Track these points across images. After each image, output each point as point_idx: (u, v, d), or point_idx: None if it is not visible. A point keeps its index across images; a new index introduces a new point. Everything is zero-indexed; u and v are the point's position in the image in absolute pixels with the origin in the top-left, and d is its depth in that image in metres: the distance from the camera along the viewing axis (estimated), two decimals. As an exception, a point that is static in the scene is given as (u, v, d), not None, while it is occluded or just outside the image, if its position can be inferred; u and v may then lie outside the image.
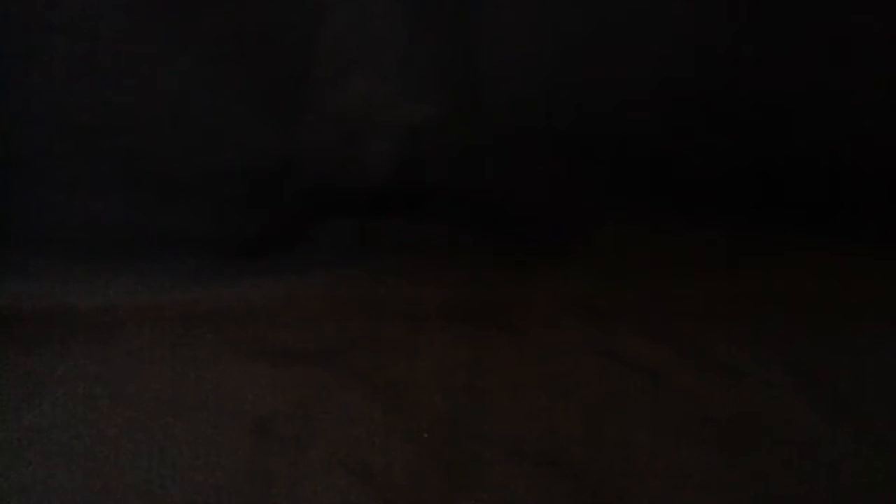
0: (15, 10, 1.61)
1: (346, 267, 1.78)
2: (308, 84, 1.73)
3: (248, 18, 1.67)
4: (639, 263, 1.79)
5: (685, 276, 1.76)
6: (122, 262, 1.73)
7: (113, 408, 1.40)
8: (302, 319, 1.65)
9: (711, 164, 1.80)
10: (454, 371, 1.51)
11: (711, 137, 1.78)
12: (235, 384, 1.47)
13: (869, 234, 1.79)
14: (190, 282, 1.72)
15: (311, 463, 1.29)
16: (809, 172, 1.79)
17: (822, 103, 1.76)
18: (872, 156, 1.80)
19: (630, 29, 1.72)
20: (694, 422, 1.39)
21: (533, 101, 1.77)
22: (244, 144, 1.75)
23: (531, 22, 1.72)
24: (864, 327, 1.63)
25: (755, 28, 1.72)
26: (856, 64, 1.74)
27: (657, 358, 1.55)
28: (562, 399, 1.44)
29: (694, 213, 1.80)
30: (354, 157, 1.79)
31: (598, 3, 1.70)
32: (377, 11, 1.69)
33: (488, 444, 1.34)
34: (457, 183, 1.82)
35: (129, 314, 1.64)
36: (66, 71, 1.65)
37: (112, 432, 1.35)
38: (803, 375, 1.51)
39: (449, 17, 1.71)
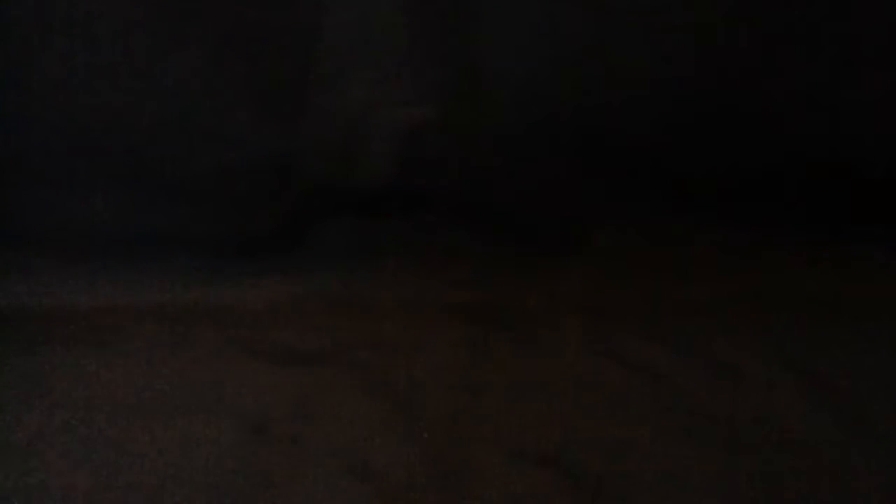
0: (15, 10, 1.61)
1: (346, 267, 1.78)
2: (308, 84, 1.73)
3: (249, 18, 1.67)
4: (639, 263, 1.79)
5: (685, 276, 1.76)
6: (122, 262, 1.73)
7: (113, 408, 1.40)
8: (302, 319, 1.65)
9: (711, 164, 1.80)
10: (454, 371, 1.51)
11: (711, 137, 1.78)
12: (235, 384, 1.47)
13: (869, 234, 1.79)
14: (190, 282, 1.72)
15: (311, 463, 1.29)
16: (809, 172, 1.79)
17: (823, 103, 1.76)
18: (873, 156, 1.80)
19: (630, 29, 1.72)
20: (694, 422, 1.39)
21: (533, 102, 1.77)
22: (244, 144, 1.75)
23: (531, 22, 1.72)
24: (864, 327, 1.63)
25: (755, 28, 1.72)
26: (856, 64, 1.74)
27: (657, 358, 1.55)
28: (562, 399, 1.44)
29: (694, 213, 1.80)
30: (354, 157, 1.79)
31: (598, 4, 1.70)
32: (377, 11, 1.69)
33: (488, 444, 1.33)
34: (457, 183, 1.82)
35: (129, 314, 1.64)
36: (66, 71, 1.65)
37: (112, 432, 1.35)
38: (803, 375, 1.50)
39: (449, 16, 1.71)
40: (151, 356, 1.53)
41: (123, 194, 1.74)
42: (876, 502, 1.24)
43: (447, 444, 1.33)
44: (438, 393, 1.45)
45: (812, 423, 1.39)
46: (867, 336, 1.61)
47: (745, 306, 1.69)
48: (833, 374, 1.51)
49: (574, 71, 1.75)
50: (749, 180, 1.80)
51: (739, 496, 1.25)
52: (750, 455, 1.32)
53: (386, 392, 1.45)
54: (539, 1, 1.70)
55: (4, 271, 1.70)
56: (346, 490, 1.24)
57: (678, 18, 1.70)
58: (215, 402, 1.42)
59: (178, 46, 1.66)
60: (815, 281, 1.74)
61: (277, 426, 1.37)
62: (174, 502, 1.22)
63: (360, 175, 1.80)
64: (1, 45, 1.63)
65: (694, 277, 1.75)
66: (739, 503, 1.24)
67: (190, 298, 1.69)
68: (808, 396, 1.45)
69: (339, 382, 1.48)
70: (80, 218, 1.74)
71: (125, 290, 1.69)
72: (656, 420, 1.40)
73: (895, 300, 1.70)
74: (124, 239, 1.75)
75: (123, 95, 1.68)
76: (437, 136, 1.78)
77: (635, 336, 1.61)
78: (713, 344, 1.59)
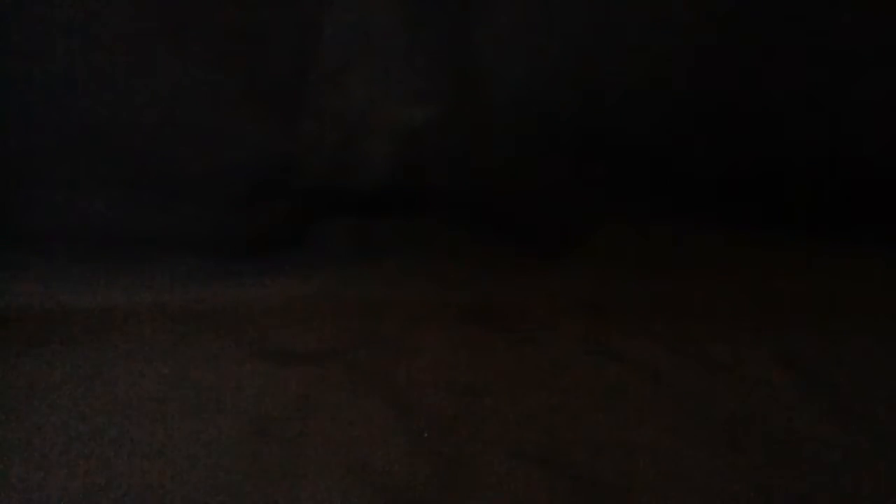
0: (15, 10, 1.61)
1: (346, 267, 1.78)
2: (308, 84, 1.73)
3: (248, 18, 1.67)
4: (639, 263, 1.79)
5: (685, 276, 1.76)
6: (122, 262, 1.73)
7: (112, 408, 1.40)
8: (302, 319, 1.65)
9: (711, 164, 1.80)
10: (454, 371, 1.51)
11: (711, 138, 1.78)
12: (235, 384, 1.47)
13: (869, 234, 1.79)
14: (190, 282, 1.72)
15: (311, 463, 1.29)
16: (809, 172, 1.79)
17: (822, 104, 1.76)
18: (872, 156, 1.80)
19: (630, 30, 1.72)
20: (693, 421, 1.39)
21: (533, 102, 1.77)
22: (244, 144, 1.75)
23: (531, 23, 1.72)
24: (864, 327, 1.63)
25: (755, 28, 1.72)
26: (855, 64, 1.74)
27: (657, 358, 1.55)
28: (562, 399, 1.44)
29: (693, 213, 1.80)
30: (354, 158, 1.79)
31: (598, 5, 1.70)
32: (377, 11, 1.69)
33: (488, 444, 1.33)
34: (457, 183, 1.82)
35: (129, 314, 1.64)
36: (66, 71, 1.65)
37: (112, 432, 1.35)
38: (803, 375, 1.51)
39: (449, 17, 1.71)
40: (151, 356, 1.53)
41: (123, 194, 1.74)
42: (876, 502, 1.24)
43: (447, 444, 1.33)
44: (438, 393, 1.45)
45: (812, 423, 1.39)
46: (867, 336, 1.61)
47: (745, 306, 1.69)
48: (833, 374, 1.51)
49: (574, 72, 1.75)
50: (749, 180, 1.80)
51: (739, 496, 1.24)
52: (750, 455, 1.32)
53: (386, 392, 1.45)
54: (539, 1, 1.70)
55: (4, 271, 1.70)
56: (346, 490, 1.24)
57: (678, 18, 1.70)
58: (215, 402, 1.42)
59: (179, 47, 1.66)
60: (815, 281, 1.74)
61: (277, 426, 1.37)
62: (174, 502, 1.22)
63: (360, 175, 1.80)
64: (1, 46, 1.63)
65: (694, 277, 1.75)
66: (739, 503, 1.24)
67: (190, 298, 1.69)
68: (808, 396, 1.45)
69: (339, 382, 1.48)
70: (79, 218, 1.74)
71: (125, 290, 1.69)
72: (656, 420, 1.40)
73: (895, 300, 1.70)
74: (124, 239, 1.75)
75: (123, 96, 1.68)
76: (437, 136, 1.78)
77: (635, 336, 1.61)
78: (713, 344, 1.59)
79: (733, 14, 1.70)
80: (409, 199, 1.82)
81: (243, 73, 1.70)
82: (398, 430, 1.36)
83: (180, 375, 1.48)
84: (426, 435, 1.35)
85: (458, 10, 1.71)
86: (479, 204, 1.83)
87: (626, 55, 1.74)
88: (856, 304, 1.69)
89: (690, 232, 1.80)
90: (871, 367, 1.53)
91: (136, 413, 1.39)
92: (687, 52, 1.72)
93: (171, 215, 1.76)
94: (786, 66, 1.74)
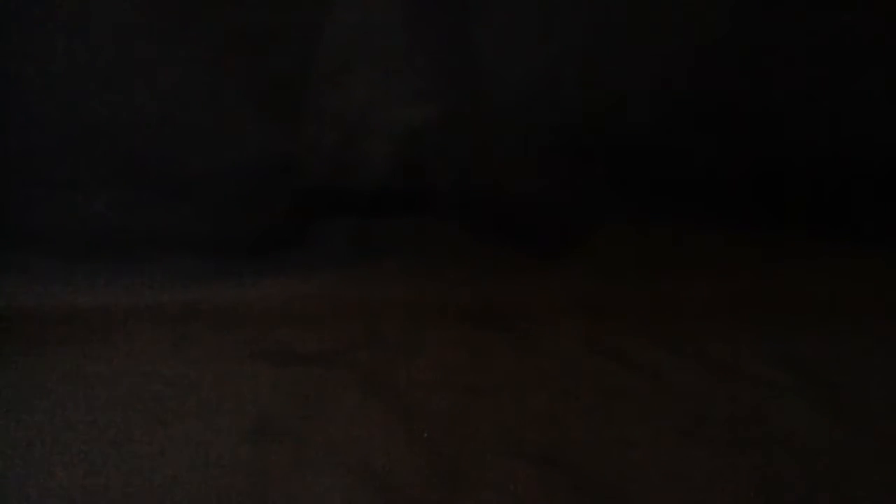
0: (15, 10, 1.61)
1: (346, 267, 1.78)
2: (308, 84, 1.73)
3: (248, 18, 1.67)
4: (639, 264, 1.79)
5: (685, 276, 1.76)
6: (122, 262, 1.73)
7: (113, 408, 1.40)
8: (302, 319, 1.65)
9: (711, 164, 1.80)
10: (454, 371, 1.51)
11: (711, 138, 1.78)
12: (235, 384, 1.47)
13: (869, 234, 1.79)
14: (190, 282, 1.72)
15: (311, 463, 1.29)
16: (809, 172, 1.79)
17: (822, 103, 1.76)
18: (873, 156, 1.80)
19: (629, 30, 1.72)
20: (693, 421, 1.39)
21: (533, 102, 1.77)
22: (244, 144, 1.75)
23: (531, 22, 1.72)
24: (864, 327, 1.63)
25: (755, 28, 1.72)
26: (855, 64, 1.74)
27: (657, 358, 1.56)
28: (562, 399, 1.44)
29: (693, 213, 1.80)
30: (354, 158, 1.79)
31: (598, 5, 1.70)
32: (377, 12, 1.69)
33: (488, 444, 1.34)
34: (456, 183, 1.82)
35: (129, 314, 1.65)
36: (66, 71, 1.66)
37: (112, 432, 1.35)
38: (803, 375, 1.51)
39: (449, 17, 1.71)
40: (151, 356, 1.53)
41: (123, 194, 1.74)
42: (876, 502, 1.24)
43: (447, 444, 1.33)
44: (438, 393, 1.45)
45: (812, 423, 1.39)
46: (867, 336, 1.61)
47: (745, 306, 1.69)
48: (833, 374, 1.51)
49: (573, 71, 1.75)
50: (749, 180, 1.80)
51: (739, 496, 1.25)
52: (750, 455, 1.32)
53: (386, 392, 1.45)
54: (539, 1, 1.70)
55: (4, 271, 1.70)
56: (346, 490, 1.24)
57: (678, 18, 1.70)
58: (215, 402, 1.42)
59: (179, 46, 1.66)
60: (815, 281, 1.75)
61: (277, 426, 1.37)
62: (175, 502, 1.22)
63: (360, 175, 1.80)
64: (1, 46, 1.63)
65: (694, 277, 1.75)
66: (739, 503, 1.24)
67: (190, 298, 1.69)
68: (808, 396, 1.45)
69: (339, 382, 1.48)
70: (80, 218, 1.74)
71: (125, 290, 1.69)
72: (656, 420, 1.40)
73: (895, 300, 1.70)
74: (124, 239, 1.75)
75: (124, 95, 1.68)
76: (437, 136, 1.78)
77: (635, 336, 1.61)
78: (713, 344, 1.59)
79: (733, 14, 1.70)
80: (409, 199, 1.82)
81: (243, 73, 1.70)
82: (398, 430, 1.36)
83: (180, 375, 1.48)
84: (426, 435, 1.35)
85: (458, 10, 1.70)
86: (479, 204, 1.83)
87: (626, 55, 1.74)
88: (856, 304, 1.69)
89: (690, 232, 1.80)
90: (871, 367, 1.53)
91: (136, 413, 1.39)
92: (687, 51, 1.72)
93: (171, 215, 1.76)
94: (786, 66, 1.74)
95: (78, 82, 1.67)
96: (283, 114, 1.75)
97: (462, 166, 1.81)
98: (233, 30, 1.67)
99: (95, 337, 1.58)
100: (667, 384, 1.49)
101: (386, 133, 1.78)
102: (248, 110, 1.72)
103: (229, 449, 1.31)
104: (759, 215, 1.81)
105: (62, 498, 1.22)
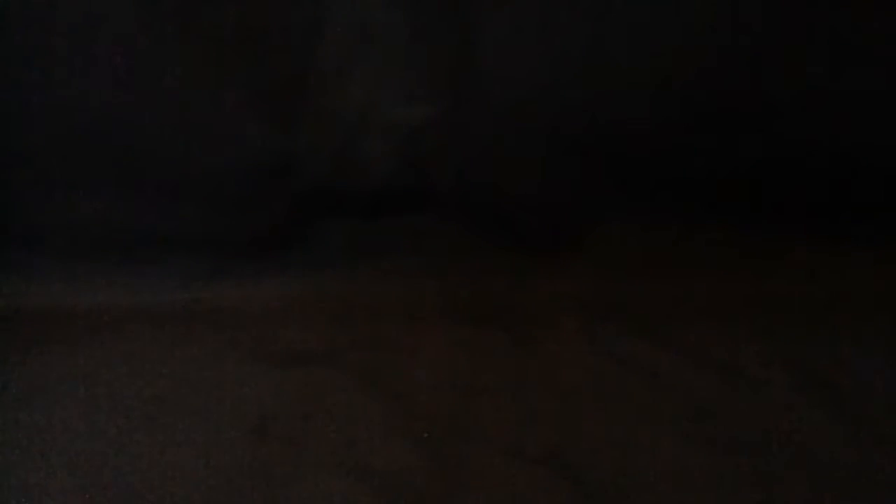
0: (15, 9, 1.61)
1: (346, 267, 1.78)
2: (308, 84, 1.73)
3: (248, 18, 1.67)
4: (639, 263, 1.79)
5: (685, 276, 1.76)
6: (122, 262, 1.73)
7: (113, 408, 1.40)
8: (302, 319, 1.65)
9: (711, 163, 1.80)
10: (454, 371, 1.51)
11: (711, 137, 1.78)
12: (235, 384, 1.47)
13: (869, 234, 1.79)
14: (190, 282, 1.72)
15: (311, 463, 1.29)
16: (809, 172, 1.79)
17: (822, 103, 1.76)
18: (872, 155, 1.80)
19: (629, 29, 1.72)
20: (693, 421, 1.39)
21: (533, 101, 1.77)
22: (244, 144, 1.75)
23: (531, 22, 1.71)
24: (864, 327, 1.63)
25: (755, 28, 1.72)
26: (855, 63, 1.74)
27: (657, 358, 1.55)
28: (562, 399, 1.44)
29: (693, 213, 1.80)
30: (354, 157, 1.79)
31: (598, 4, 1.70)
32: (377, 11, 1.69)
33: (488, 444, 1.34)
34: (456, 183, 1.82)
35: (129, 314, 1.64)
36: (66, 71, 1.65)
37: (112, 432, 1.35)
38: (803, 375, 1.51)
39: (449, 17, 1.71)
40: (151, 356, 1.53)
41: (123, 194, 1.74)
42: (876, 502, 1.24)
43: (447, 444, 1.33)
44: (438, 393, 1.45)
45: (812, 423, 1.39)
46: (867, 336, 1.61)
47: (745, 306, 1.69)
48: (833, 373, 1.51)
49: (574, 70, 1.74)
50: (749, 180, 1.80)
51: (739, 496, 1.25)
52: (750, 455, 1.32)
53: (386, 392, 1.45)
54: (539, 1, 1.70)
55: (4, 271, 1.70)
56: (346, 490, 1.24)
57: (678, 18, 1.70)
58: (215, 402, 1.42)
59: (179, 46, 1.66)
60: (815, 281, 1.74)
61: (277, 426, 1.37)
62: (174, 502, 1.22)
63: (359, 175, 1.80)
64: (1, 45, 1.63)
65: (694, 277, 1.75)
66: (739, 503, 1.24)
67: (190, 298, 1.69)
68: (808, 396, 1.45)
69: (339, 382, 1.48)
70: (79, 218, 1.74)
71: (125, 290, 1.69)
72: (656, 420, 1.40)
73: (895, 300, 1.70)
74: (124, 239, 1.75)
75: (123, 95, 1.68)
76: (437, 136, 1.78)
77: (635, 336, 1.61)
78: (713, 344, 1.59)
79: (733, 14, 1.70)
80: (410, 199, 1.82)
81: (243, 73, 1.70)
82: (398, 430, 1.36)
83: (180, 375, 1.48)
84: (426, 435, 1.35)
85: (459, 10, 1.70)
86: (479, 204, 1.83)
87: (626, 54, 1.73)
88: (856, 304, 1.69)
89: (690, 232, 1.80)
90: (871, 367, 1.53)
91: (136, 413, 1.39)
92: (687, 51, 1.72)
93: (171, 215, 1.76)
94: (786, 66, 1.74)
95: (78, 82, 1.67)
96: (283, 114, 1.75)
97: (462, 166, 1.81)
98: (233, 30, 1.67)
99: (95, 337, 1.58)
100: (667, 384, 1.49)
101: (386, 133, 1.78)
102: (248, 110, 1.72)
103: (229, 449, 1.31)
104: (759, 215, 1.81)
105: (62, 498, 1.22)
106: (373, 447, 1.32)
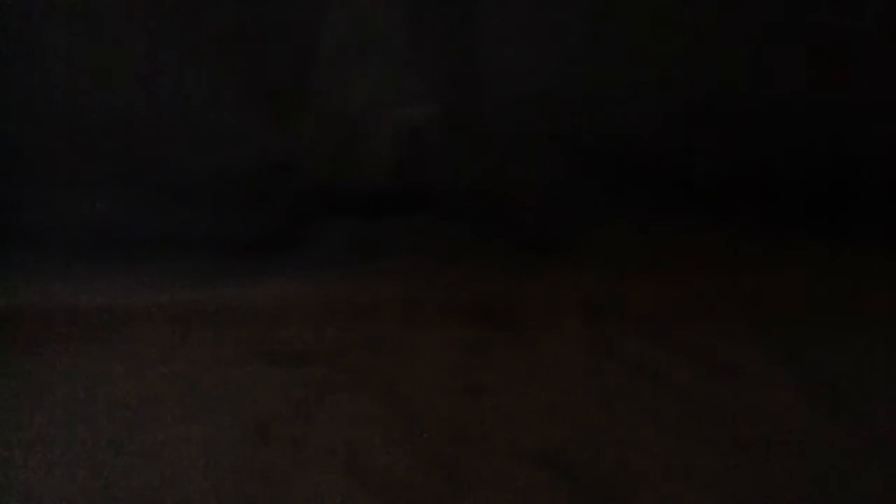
0: (15, 9, 1.61)
1: (346, 267, 1.78)
2: (308, 84, 1.73)
3: (248, 18, 1.67)
4: (639, 263, 1.79)
5: (685, 276, 1.76)
6: (122, 262, 1.73)
7: (113, 408, 1.40)
8: (302, 319, 1.65)
9: (711, 163, 1.80)
10: (454, 371, 1.51)
11: (711, 137, 1.78)
12: (235, 384, 1.47)
13: (869, 234, 1.79)
14: (190, 282, 1.72)
15: (311, 463, 1.29)
16: (809, 172, 1.79)
17: (822, 103, 1.76)
18: (873, 155, 1.80)
19: (630, 29, 1.72)
20: (694, 421, 1.39)
21: (533, 101, 1.77)
22: (244, 144, 1.75)
23: (531, 22, 1.72)
24: (864, 327, 1.63)
25: (755, 29, 1.72)
26: (856, 64, 1.74)
27: (657, 358, 1.55)
28: (562, 399, 1.44)
29: (694, 213, 1.80)
30: (354, 157, 1.79)
31: (599, 5, 1.70)
32: (377, 11, 1.69)
33: (488, 444, 1.33)
34: (457, 183, 1.82)
35: (129, 314, 1.64)
36: (66, 71, 1.65)
37: (112, 432, 1.35)
38: (803, 375, 1.50)
39: (449, 16, 1.71)
40: (151, 356, 1.53)
41: (123, 194, 1.74)
42: (876, 502, 1.24)
43: (447, 444, 1.33)
44: (438, 393, 1.45)
45: (812, 423, 1.39)
46: (867, 336, 1.61)
47: (745, 306, 1.69)
48: (833, 374, 1.51)
49: (574, 70, 1.75)
50: (749, 180, 1.80)
51: (739, 496, 1.24)
52: (750, 455, 1.32)
53: (386, 392, 1.45)
54: (539, 1, 1.70)
55: (4, 271, 1.70)
56: (346, 490, 1.24)
57: (679, 18, 1.70)
58: (215, 402, 1.42)
59: (179, 46, 1.66)
60: (815, 281, 1.74)
61: (277, 426, 1.37)
62: (174, 502, 1.22)
63: (360, 175, 1.80)
64: (1, 45, 1.63)
65: (694, 277, 1.75)
66: (739, 503, 1.24)
67: (190, 298, 1.69)
68: (808, 396, 1.45)
69: (339, 382, 1.48)
70: (79, 218, 1.74)
71: (125, 290, 1.69)
72: (656, 420, 1.40)
73: (895, 300, 1.70)
74: (124, 239, 1.75)
75: (124, 95, 1.68)
76: (437, 136, 1.78)
77: (635, 336, 1.61)
78: (713, 344, 1.59)
79: (734, 13, 1.70)
80: (409, 199, 1.82)
81: (243, 73, 1.70)
82: (398, 430, 1.36)
83: (180, 375, 1.48)
84: (426, 435, 1.35)
85: (459, 10, 1.70)
86: (478, 204, 1.83)
87: (626, 54, 1.74)
88: (856, 304, 1.69)
89: (690, 232, 1.80)
90: (871, 367, 1.53)
91: (136, 413, 1.39)
92: (688, 51, 1.72)
93: (171, 215, 1.76)
94: (787, 66, 1.74)
95: (78, 81, 1.67)
96: (283, 113, 1.75)
97: (462, 166, 1.81)
98: (233, 30, 1.67)
99: (95, 337, 1.58)
100: (667, 384, 1.49)
101: (386, 133, 1.78)
102: (248, 110, 1.72)
103: (229, 449, 1.31)
104: (759, 215, 1.81)
105: (62, 498, 1.22)
106: (373, 447, 1.32)
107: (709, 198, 1.80)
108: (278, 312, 1.67)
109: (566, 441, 1.34)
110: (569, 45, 1.72)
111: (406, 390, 1.46)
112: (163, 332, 1.60)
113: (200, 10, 1.64)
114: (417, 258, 1.79)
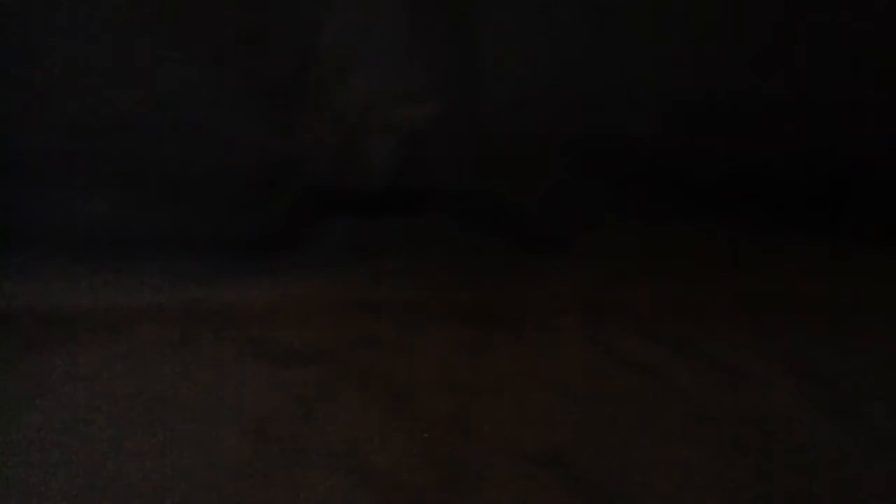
0: (15, 9, 1.61)
1: (346, 267, 1.78)
2: (308, 84, 1.73)
3: (248, 18, 1.67)
4: (639, 262, 1.79)
5: (685, 275, 1.76)
6: (123, 262, 1.73)
7: (113, 408, 1.40)
8: (302, 319, 1.65)
9: (712, 164, 1.80)
10: (454, 371, 1.51)
11: (712, 137, 1.78)
12: (235, 384, 1.47)
13: (869, 234, 1.79)
14: (190, 282, 1.72)
15: (311, 463, 1.29)
16: (809, 172, 1.79)
17: (822, 103, 1.76)
18: (873, 156, 1.80)
19: (630, 29, 1.72)
20: (694, 421, 1.39)
21: (533, 101, 1.77)
22: (244, 144, 1.75)
23: (531, 22, 1.71)
24: (864, 327, 1.63)
25: (755, 29, 1.72)
26: (856, 64, 1.74)
27: (657, 357, 1.56)
28: (562, 399, 1.44)
29: (694, 213, 1.80)
30: (354, 157, 1.79)
31: (598, 4, 1.70)
32: (377, 11, 1.69)
33: (488, 444, 1.34)
34: (457, 183, 1.82)
35: (129, 314, 1.64)
36: (66, 71, 1.65)
37: (112, 432, 1.35)
38: (803, 375, 1.51)
39: (449, 16, 1.71)
40: (151, 356, 1.53)
41: (123, 194, 1.74)
42: (876, 502, 1.24)
43: (447, 444, 1.33)
44: (438, 393, 1.45)
45: (812, 423, 1.39)
46: (867, 336, 1.61)
47: (745, 306, 1.69)
48: (833, 374, 1.51)
49: (574, 70, 1.75)
50: (749, 180, 1.80)
51: (739, 496, 1.25)
52: (750, 455, 1.32)
53: (386, 392, 1.45)
54: (539, 1, 1.70)
55: (4, 271, 1.70)
56: (346, 490, 1.24)
57: (679, 18, 1.70)
58: (215, 402, 1.42)
59: (179, 46, 1.66)
60: (815, 281, 1.74)
61: (277, 426, 1.37)
62: (174, 502, 1.22)
63: (360, 175, 1.80)
64: (1, 45, 1.63)
65: (694, 277, 1.75)
66: (739, 503, 1.24)
67: (190, 298, 1.69)
68: (808, 396, 1.45)
69: (339, 382, 1.48)
70: (79, 218, 1.74)
71: (125, 290, 1.69)
72: (656, 420, 1.40)
73: (895, 300, 1.70)
74: (124, 239, 1.75)
75: (123, 96, 1.68)
76: (437, 136, 1.78)
77: (635, 336, 1.61)
78: (713, 344, 1.59)
79: (734, 13, 1.70)
80: (409, 198, 1.82)
81: (243, 73, 1.70)
82: (398, 430, 1.36)
83: (180, 375, 1.48)
84: (426, 435, 1.35)
85: (459, 10, 1.70)
86: (479, 203, 1.83)
87: (626, 54, 1.74)
88: (856, 304, 1.69)
89: (690, 232, 1.80)
90: (871, 367, 1.53)
91: (136, 413, 1.39)
92: (688, 51, 1.72)
93: (170, 215, 1.76)
94: (787, 66, 1.74)
95: (78, 82, 1.67)
96: (283, 114, 1.75)
97: (462, 166, 1.81)
98: (233, 30, 1.67)
99: (95, 337, 1.58)
100: (667, 384, 1.49)
101: (386, 133, 1.78)
102: (248, 110, 1.72)
103: (229, 449, 1.31)
104: (759, 215, 1.81)
105: (62, 498, 1.22)
106: (373, 447, 1.32)
107: (709, 198, 1.79)
108: (278, 312, 1.67)
109: (566, 441, 1.34)
110: (569, 45, 1.72)
111: (406, 390, 1.46)
112: (163, 332, 1.60)
113: (201, 11, 1.64)
114: (417, 258, 1.79)
